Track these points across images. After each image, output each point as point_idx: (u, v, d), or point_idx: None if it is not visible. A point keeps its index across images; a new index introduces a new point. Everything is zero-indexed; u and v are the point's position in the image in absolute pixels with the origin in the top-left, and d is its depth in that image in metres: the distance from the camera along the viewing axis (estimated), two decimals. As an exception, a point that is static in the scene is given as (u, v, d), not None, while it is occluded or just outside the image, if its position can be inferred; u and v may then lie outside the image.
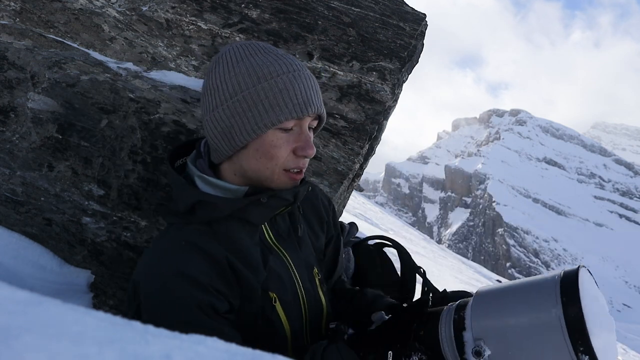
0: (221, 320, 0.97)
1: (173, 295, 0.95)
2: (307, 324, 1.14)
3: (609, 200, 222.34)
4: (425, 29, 1.73)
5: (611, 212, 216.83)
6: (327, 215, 1.35)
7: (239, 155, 1.06)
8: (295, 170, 1.06)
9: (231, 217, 1.06)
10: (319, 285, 1.20)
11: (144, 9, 1.59)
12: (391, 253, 1.70)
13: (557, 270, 0.85)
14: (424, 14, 1.72)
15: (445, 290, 1.21)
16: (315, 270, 1.21)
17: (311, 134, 1.09)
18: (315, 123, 1.10)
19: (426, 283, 1.49)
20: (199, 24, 1.59)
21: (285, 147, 1.03)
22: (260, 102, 1.00)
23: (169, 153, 1.18)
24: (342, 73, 1.65)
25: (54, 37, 1.58)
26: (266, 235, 1.13)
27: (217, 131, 1.05)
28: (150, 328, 0.38)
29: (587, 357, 0.74)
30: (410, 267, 1.63)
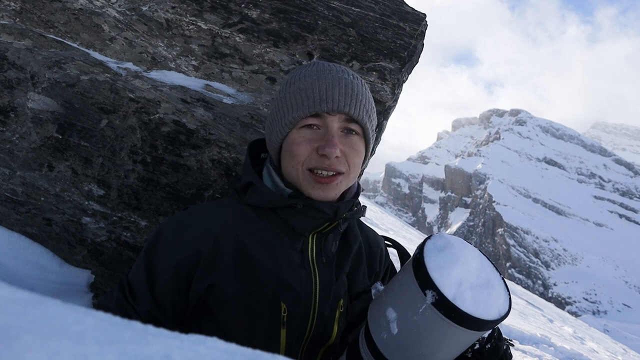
0: (162, 294, 1.09)
1: (160, 237, 1.12)
2: (305, 345, 1.13)
3: (609, 200, 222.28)
4: (425, 29, 1.73)
5: (611, 212, 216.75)
6: (379, 269, 1.34)
7: (282, 159, 1.13)
8: (320, 172, 1.06)
9: (278, 216, 1.12)
10: (337, 318, 1.17)
11: (144, 9, 1.58)
12: (391, 253, 1.70)
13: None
14: (424, 14, 1.72)
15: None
16: (341, 302, 1.19)
17: (353, 140, 1.08)
18: (355, 127, 1.08)
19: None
20: (199, 24, 1.59)
21: (306, 144, 1.06)
22: (285, 104, 1.08)
23: (254, 142, 1.27)
24: (342, 73, 1.64)
25: (54, 37, 1.58)
26: (309, 248, 1.14)
27: (267, 137, 1.17)
28: (150, 328, 0.38)
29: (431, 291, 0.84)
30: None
